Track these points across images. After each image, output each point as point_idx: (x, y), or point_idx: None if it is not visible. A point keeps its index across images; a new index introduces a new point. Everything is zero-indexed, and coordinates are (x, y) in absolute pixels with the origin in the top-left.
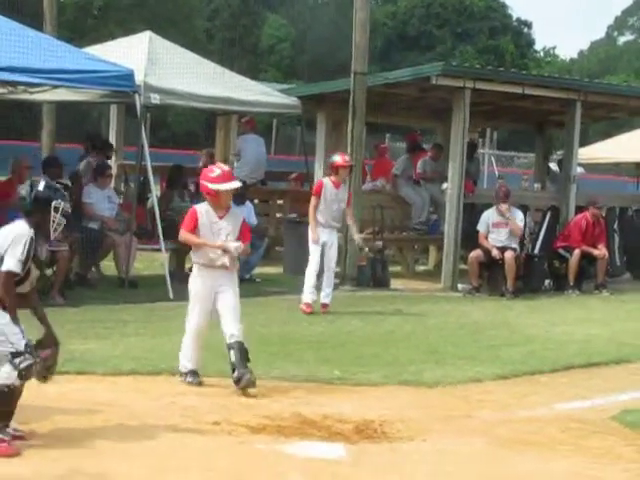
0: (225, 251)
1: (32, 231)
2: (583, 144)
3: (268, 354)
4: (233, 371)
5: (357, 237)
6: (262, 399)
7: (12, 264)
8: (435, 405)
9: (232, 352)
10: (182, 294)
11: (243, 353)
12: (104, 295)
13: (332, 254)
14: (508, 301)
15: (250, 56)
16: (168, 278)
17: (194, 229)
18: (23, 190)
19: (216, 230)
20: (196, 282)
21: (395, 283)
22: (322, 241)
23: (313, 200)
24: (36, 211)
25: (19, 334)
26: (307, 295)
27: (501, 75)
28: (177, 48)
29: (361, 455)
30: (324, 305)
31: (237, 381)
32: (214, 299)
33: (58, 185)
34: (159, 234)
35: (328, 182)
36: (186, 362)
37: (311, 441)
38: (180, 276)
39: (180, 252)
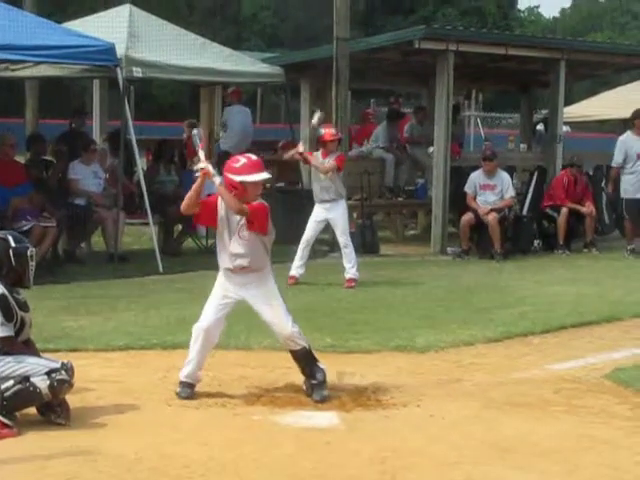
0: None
1: (0, 288)
2: (568, 102)
3: (259, 324)
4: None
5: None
6: (255, 370)
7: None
8: (428, 370)
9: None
10: (172, 267)
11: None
12: (94, 271)
13: (338, 230)
14: (498, 263)
15: (232, 25)
16: (157, 251)
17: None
18: None
19: (233, 224)
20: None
21: (385, 249)
22: (323, 218)
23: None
24: (17, 266)
25: (50, 360)
26: (292, 269)
27: (484, 37)
28: (158, 20)
29: (355, 423)
30: (348, 280)
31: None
32: (232, 305)
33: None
34: (147, 208)
35: (317, 154)
36: (182, 372)
37: (305, 410)
38: (169, 249)
39: (168, 225)
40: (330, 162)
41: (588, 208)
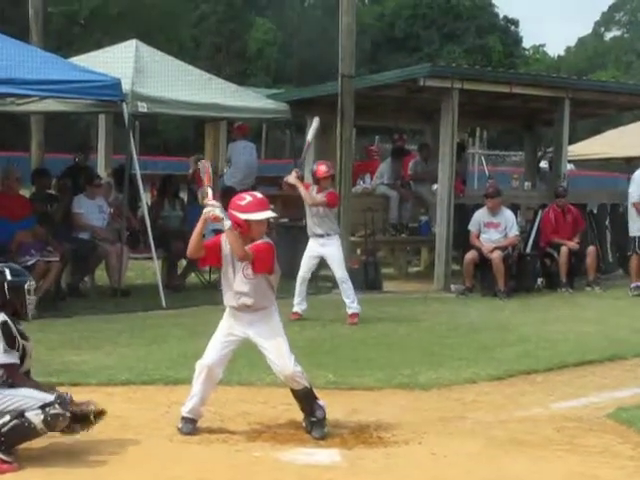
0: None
1: (2, 316)
2: (572, 141)
3: (261, 360)
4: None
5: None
6: (257, 406)
7: (1, 359)
8: (430, 408)
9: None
10: (174, 302)
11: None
12: (97, 305)
13: (334, 265)
14: (501, 301)
15: (238, 61)
16: (160, 286)
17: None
18: None
19: (238, 262)
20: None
21: (388, 285)
22: (317, 254)
23: None
24: (13, 299)
25: (46, 393)
26: (294, 306)
27: (488, 75)
28: (164, 56)
29: (357, 460)
30: (351, 316)
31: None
32: (237, 343)
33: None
34: (150, 243)
35: (312, 189)
36: (184, 407)
37: (307, 447)
38: (172, 284)
39: (172, 260)
40: (321, 198)
41: (572, 243)
